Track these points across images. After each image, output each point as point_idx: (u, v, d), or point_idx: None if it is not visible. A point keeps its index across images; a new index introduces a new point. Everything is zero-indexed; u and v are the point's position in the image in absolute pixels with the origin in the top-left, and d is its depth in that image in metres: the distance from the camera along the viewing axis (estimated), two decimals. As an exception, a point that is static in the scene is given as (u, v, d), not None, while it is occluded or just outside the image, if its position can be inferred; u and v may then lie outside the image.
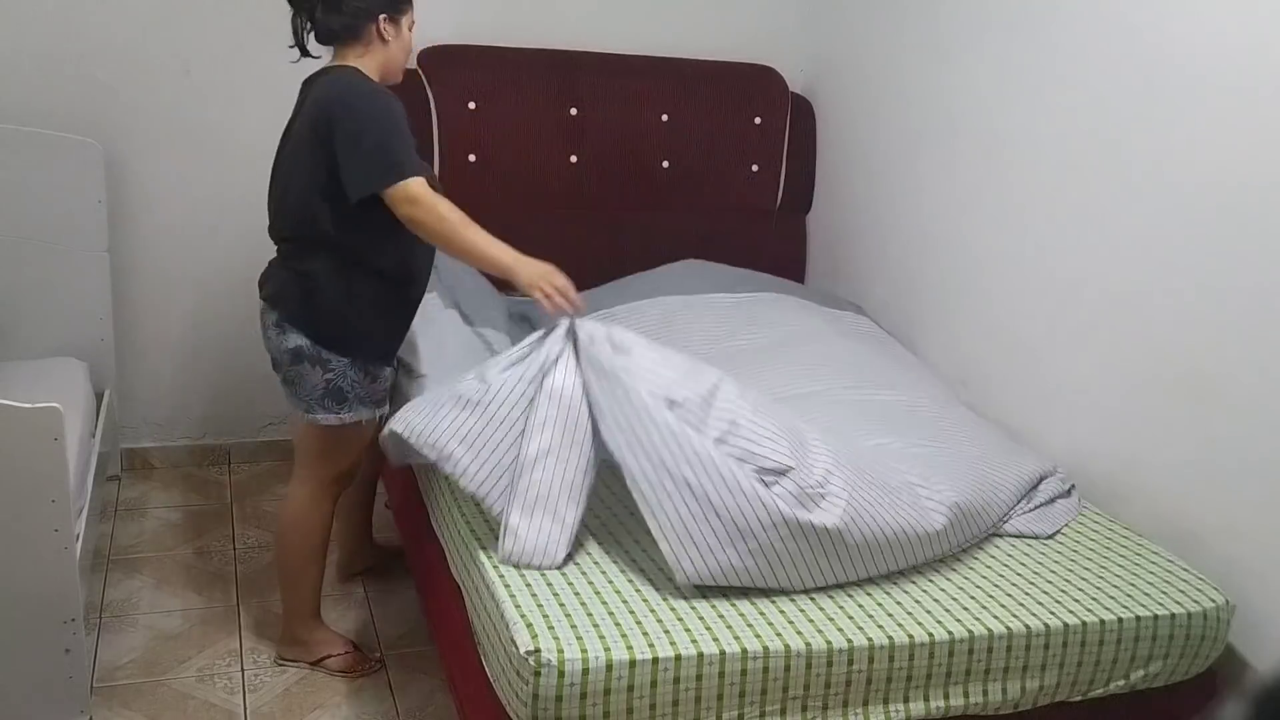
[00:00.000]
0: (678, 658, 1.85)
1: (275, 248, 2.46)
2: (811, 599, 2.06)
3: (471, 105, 3.38)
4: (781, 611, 2.01)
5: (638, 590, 2.03)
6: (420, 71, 3.39)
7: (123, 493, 3.45)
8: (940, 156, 3.17)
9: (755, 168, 3.71)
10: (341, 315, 2.35)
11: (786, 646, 1.91)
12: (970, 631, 2.02)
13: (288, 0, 2.39)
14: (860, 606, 2.05)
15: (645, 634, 1.89)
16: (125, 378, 3.46)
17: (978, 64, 3.01)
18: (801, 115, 3.76)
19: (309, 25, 2.39)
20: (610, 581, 2.06)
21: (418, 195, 2.20)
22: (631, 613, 1.96)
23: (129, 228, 3.36)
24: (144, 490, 3.48)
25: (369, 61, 2.39)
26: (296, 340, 2.37)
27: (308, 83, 2.44)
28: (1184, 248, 2.36)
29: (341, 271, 2.34)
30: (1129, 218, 2.52)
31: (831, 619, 2.00)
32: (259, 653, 2.71)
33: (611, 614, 1.95)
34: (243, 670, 2.65)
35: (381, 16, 2.36)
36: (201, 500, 3.45)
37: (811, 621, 1.98)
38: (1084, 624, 2.07)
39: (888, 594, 2.11)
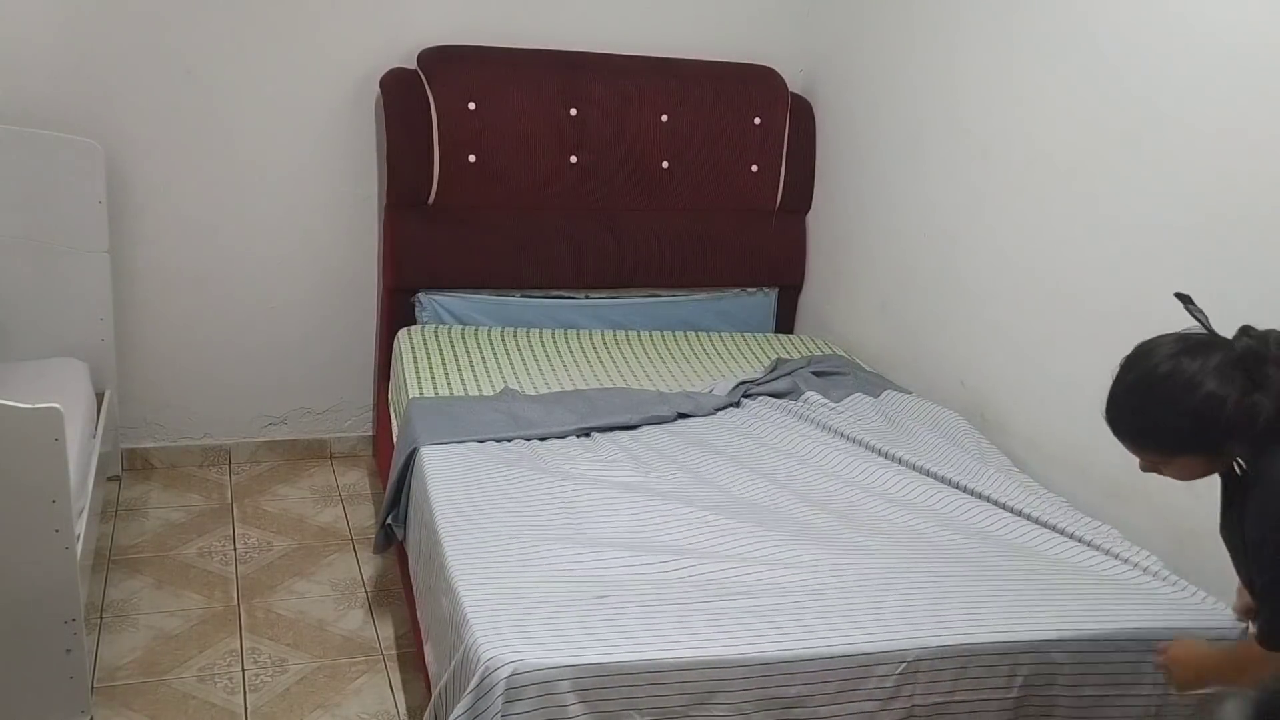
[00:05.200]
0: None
1: None
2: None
3: (471, 105, 3.38)
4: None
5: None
6: (420, 71, 3.39)
7: (123, 493, 3.45)
8: (940, 156, 3.17)
9: (755, 168, 3.71)
10: None
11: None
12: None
13: None
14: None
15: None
16: (125, 378, 3.46)
17: (978, 63, 3.01)
18: (801, 115, 3.76)
19: None
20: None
21: None
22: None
23: (129, 228, 3.36)
24: (144, 490, 3.48)
25: None
26: None
27: None
28: (1187, 247, 2.36)
29: None
30: (1131, 217, 2.52)
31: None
32: (259, 653, 2.72)
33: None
34: (243, 670, 2.65)
35: None
36: (201, 500, 3.45)
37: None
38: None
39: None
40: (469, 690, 1.80)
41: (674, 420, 2.93)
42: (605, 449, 2.71)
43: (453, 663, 1.92)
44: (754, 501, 2.48)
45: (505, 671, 1.79)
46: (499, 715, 1.78)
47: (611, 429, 2.83)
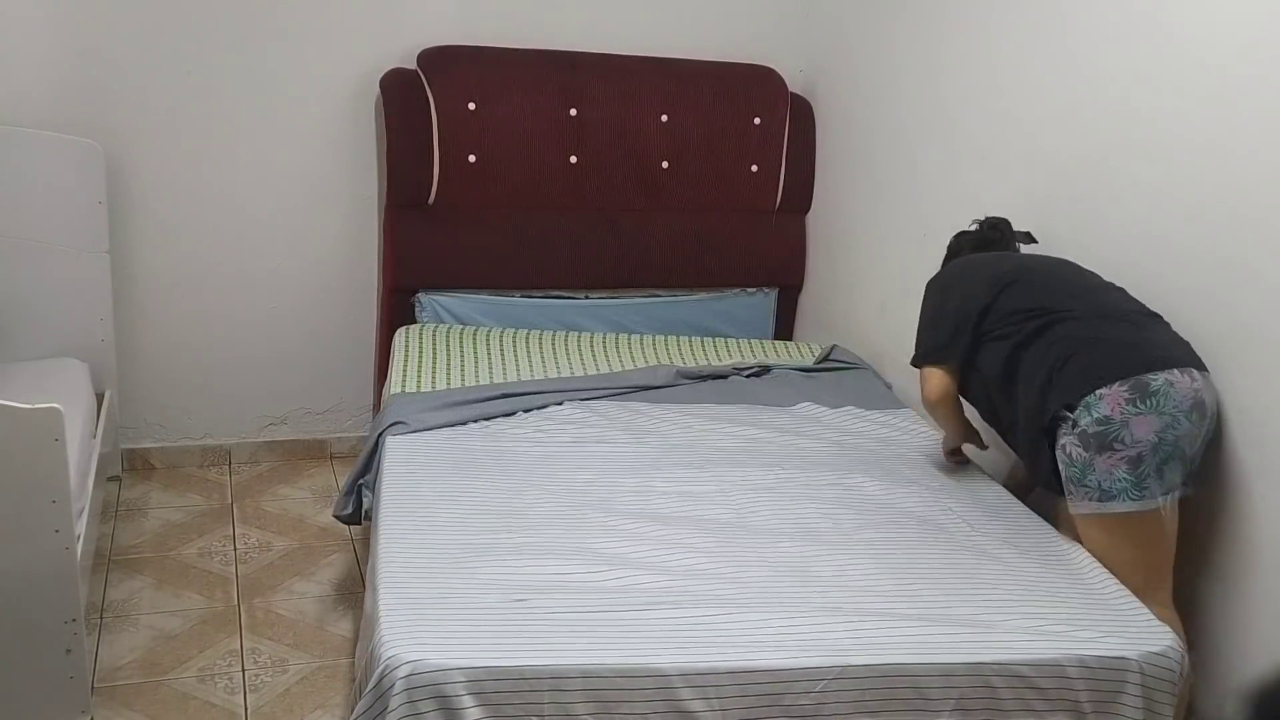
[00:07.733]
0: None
1: None
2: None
3: (471, 105, 3.38)
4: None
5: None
6: (420, 71, 3.40)
7: (123, 493, 3.45)
8: (939, 156, 3.17)
9: (755, 168, 3.71)
10: None
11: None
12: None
13: None
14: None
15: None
16: (125, 378, 3.47)
17: (977, 64, 3.01)
18: (801, 115, 3.76)
19: None
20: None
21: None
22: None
23: (129, 228, 3.36)
24: (144, 490, 3.48)
25: None
26: None
27: None
28: (1187, 246, 2.36)
29: None
30: (1128, 218, 2.52)
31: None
32: (259, 653, 2.72)
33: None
34: (243, 670, 2.65)
35: None
36: (201, 500, 3.45)
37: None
38: None
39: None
40: (369, 689, 1.79)
41: (664, 388, 3.05)
42: (581, 422, 2.78)
43: (367, 661, 1.90)
44: (707, 498, 2.40)
45: (403, 671, 1.77)
46: (394, 714, 1.76)
47: (593, 398, 2.93)
